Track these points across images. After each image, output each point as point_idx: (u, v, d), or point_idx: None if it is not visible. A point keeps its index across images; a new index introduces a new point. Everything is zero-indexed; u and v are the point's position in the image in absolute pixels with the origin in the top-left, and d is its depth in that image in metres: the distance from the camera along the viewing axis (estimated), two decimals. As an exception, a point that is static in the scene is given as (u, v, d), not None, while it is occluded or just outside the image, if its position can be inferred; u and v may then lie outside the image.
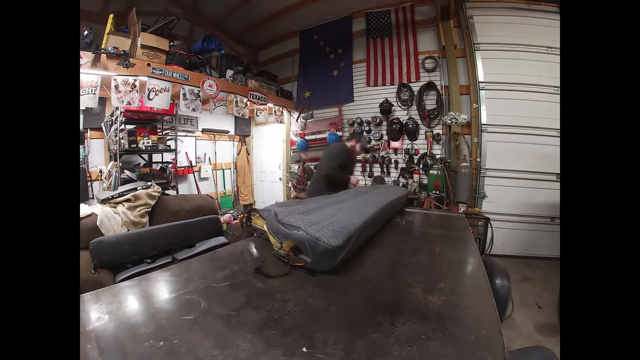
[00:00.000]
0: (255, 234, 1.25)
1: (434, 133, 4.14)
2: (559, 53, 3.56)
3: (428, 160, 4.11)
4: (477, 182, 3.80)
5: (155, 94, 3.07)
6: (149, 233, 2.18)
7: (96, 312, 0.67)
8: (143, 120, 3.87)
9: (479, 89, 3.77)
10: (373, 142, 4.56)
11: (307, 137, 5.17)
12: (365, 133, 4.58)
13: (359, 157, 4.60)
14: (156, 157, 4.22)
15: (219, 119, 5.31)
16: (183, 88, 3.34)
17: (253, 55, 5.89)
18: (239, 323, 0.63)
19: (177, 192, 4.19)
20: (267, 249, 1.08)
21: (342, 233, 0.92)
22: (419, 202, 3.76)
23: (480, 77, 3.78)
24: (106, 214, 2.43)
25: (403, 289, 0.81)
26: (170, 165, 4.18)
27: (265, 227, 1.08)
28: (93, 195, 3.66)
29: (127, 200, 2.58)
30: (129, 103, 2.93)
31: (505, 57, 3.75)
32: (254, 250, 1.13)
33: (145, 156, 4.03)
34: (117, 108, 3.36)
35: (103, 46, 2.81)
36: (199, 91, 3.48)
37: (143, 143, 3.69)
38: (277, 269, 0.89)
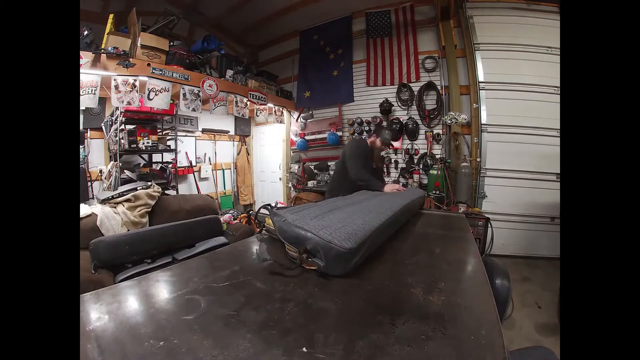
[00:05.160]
0: (268, 234, 1.24)
1: (434, 133, 4.13)
2: (559, 53, 3.56)
3: (428, 160, 4.11)
4: (477, 182, 3.80)
5: (155, 94, 3.07)
6: (149, 233, 2.17)
7: (96, 312, 0.67)
8: (143, 120, 3.87)
9: (479, 89, 3.77)
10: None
11: (307, 137, 5.16)
12: (365, 133, 4.56)
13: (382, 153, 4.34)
14: (156, 157, 4.22)
15: (219, 119, 5.31)
16: (183, 88, 3.34)
17: (253, 55, 5.89)
18: (239, 323, 0.63)
19: (177, 192, 4.19)
20: (274, 249, 1.09)
21: (357, 236, 0.90)
22: (419, 202, 3.75)
23: (480, 77, 3.78)
24: (106, 214, 2.43)
25: (403, 289, 0.81)
26: (170, 166, 4.18)
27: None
28: (93, 195, 3.66)
29: (127, 200, 2.58)
30: (129, 103, 2.93)
31: (505, 57, 3.75)
32: (257, 250, 1.13)
33: (145, 156, 4.03)
34: (117, 108, 3.36)
35: (103, 46, 2.81)
36: (199, 91, 3.47)
37: (143, 143, 3.69)
38: (288, 269, 0.88)
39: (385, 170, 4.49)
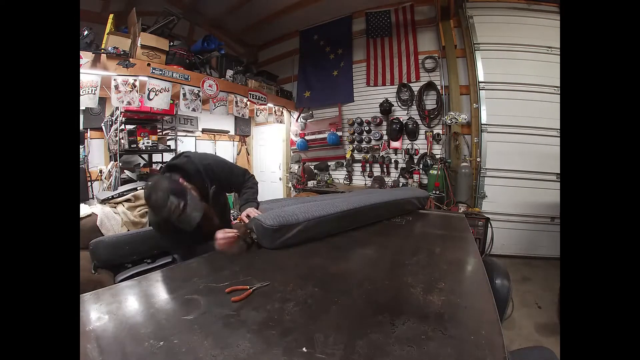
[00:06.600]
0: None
1: (434, 133, 4.13)
2: (559, 53, 3.56)
3: (428, 160, 4.11)
4: (477, 182, 3.80)
5: (155, 94, 3.07)
6: (149, 233, 2.17)
7: (96, 312, 0.67)
8: (143, 120, 3.86)
9: (479, 89, 3.77)
10: (373, 142, 4.54)
11: (307, 137, 5.16)
12: (365, 133, 4.57)
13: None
14: (156, 157, 4.22)
15: (219, 119, 5.31)
16: (183, 88, 3.34)
17: (253, 55, 5.89)
18: (239, 323, 0.63)
19: (177, 192, 4.17)
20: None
21: (281, 218, 1.16)
22: (419, 202, 3.75)
23: (480, 77, 3.78)
24: (106, 214, 2.42)
25: (403, 289, 0.82)
26: (170, 165, 4.17)
27: None
28: (93, 195, 3.66)
29: (127, 200, 2.58)
30: (129, 103, 2.93)
31: (505, 57, 3.74)
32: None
33: (145, 156, 4.03)
34: (117, 108, 3.36)
35: (103, 46, 2.81)
36: (199, 91, 3.47)
37: (143, 143, 3.68)
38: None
39: (385, 171, 4.48)
